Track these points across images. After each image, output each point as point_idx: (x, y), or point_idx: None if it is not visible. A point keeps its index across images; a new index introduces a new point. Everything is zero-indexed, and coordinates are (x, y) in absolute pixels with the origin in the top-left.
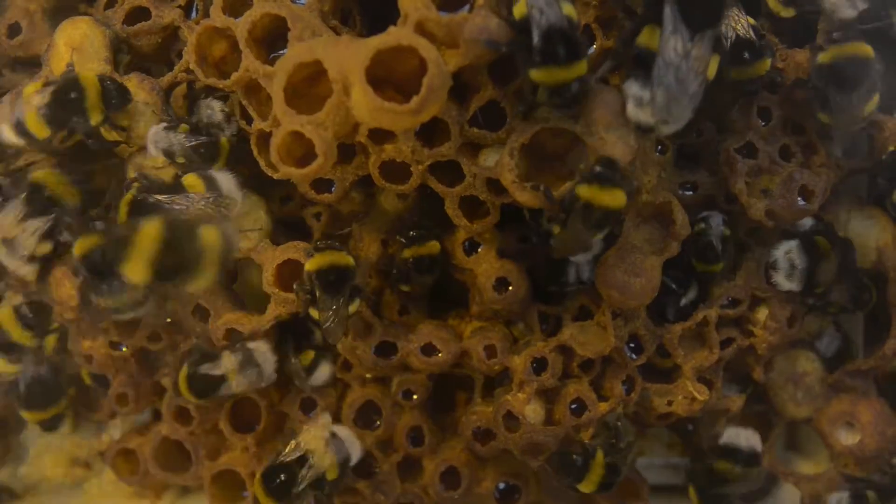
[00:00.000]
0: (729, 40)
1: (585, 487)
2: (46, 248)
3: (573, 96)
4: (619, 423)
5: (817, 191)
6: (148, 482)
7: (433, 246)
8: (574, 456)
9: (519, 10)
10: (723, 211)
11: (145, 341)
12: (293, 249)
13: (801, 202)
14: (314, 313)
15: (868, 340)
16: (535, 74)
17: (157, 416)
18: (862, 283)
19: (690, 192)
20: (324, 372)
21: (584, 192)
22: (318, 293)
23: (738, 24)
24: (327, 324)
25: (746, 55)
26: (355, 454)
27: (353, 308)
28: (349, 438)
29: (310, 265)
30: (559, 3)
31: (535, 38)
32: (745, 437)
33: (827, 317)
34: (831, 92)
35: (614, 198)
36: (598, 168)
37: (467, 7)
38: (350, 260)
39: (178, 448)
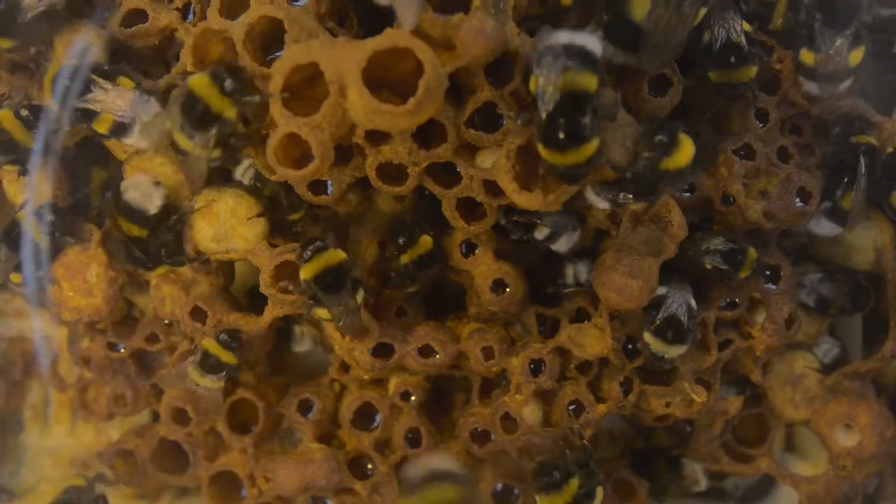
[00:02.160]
0: (719, 42)
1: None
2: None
3: (582, 174)
4: (585, 444)
5: (815, 192)
6: (146, 483)
7: (426, 242)
8: (553, 472)
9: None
10: (719, 213)
11: (143, 342)
12: (290, 251)
13: (798, 203)
14: (323, 314)
15: (866, 342)
16: (543, 153)
17: (155, 417)
18: (860, 285)
19: (688, 194)
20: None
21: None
22: (321, 297)
23: (732, 28)
24: (341, 321)
25: (732, 59)
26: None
27: (359, 298)
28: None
29: (304, 274)
30: (577, 75)
31: (543, 116)
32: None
33: (825, 319)
34: None
35: None
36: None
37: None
38: (341, 254)
39: (176, 449)
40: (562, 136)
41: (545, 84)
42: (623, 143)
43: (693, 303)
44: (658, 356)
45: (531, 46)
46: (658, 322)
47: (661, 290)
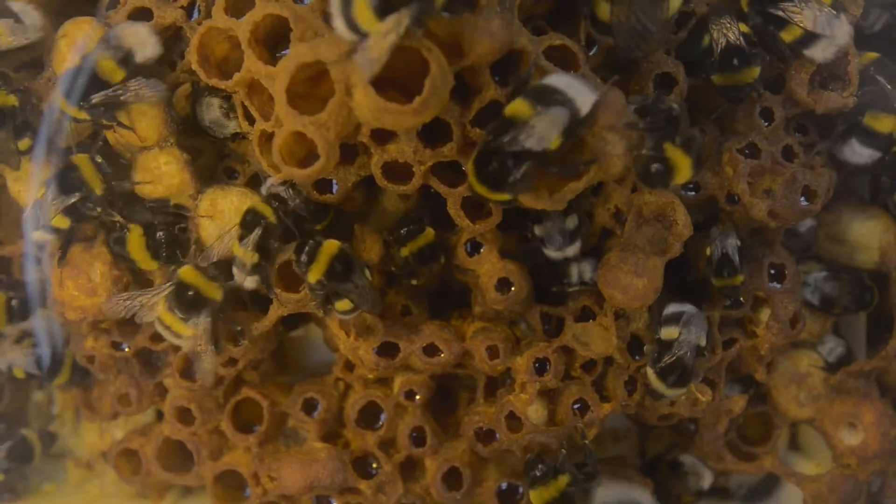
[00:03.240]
0: (719, 46)
1: (534, 499)
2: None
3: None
4: (586, 443)
5: (820, 191)
6: (150, 482)
7: (428, 234)
8: (541, 466)
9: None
10: (724, 211)
11: (147, 341)
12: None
13: (803, 202)
14: (343, 306)
15: (870, 341)
16: (468, 169)
17: (159, 416)
18: (864, 284)
19: (693, 193)
20: None
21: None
22: (336, 289)
23: (730, 31)
24: (364, 303)
25: (735, 62)
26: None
27: (369, 276)
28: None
29: (314, 276)
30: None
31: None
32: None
33: (830, 317)
34: None
35: None
36: None
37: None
38: (336, 243)
39: (180, 448)
40: (490, 173)
41: (538, 134)
42: (626, 140)
43: (704, 341)
44: (657, 393)
45: (536, 45)
46: (664, 364)
47: (673, 333)
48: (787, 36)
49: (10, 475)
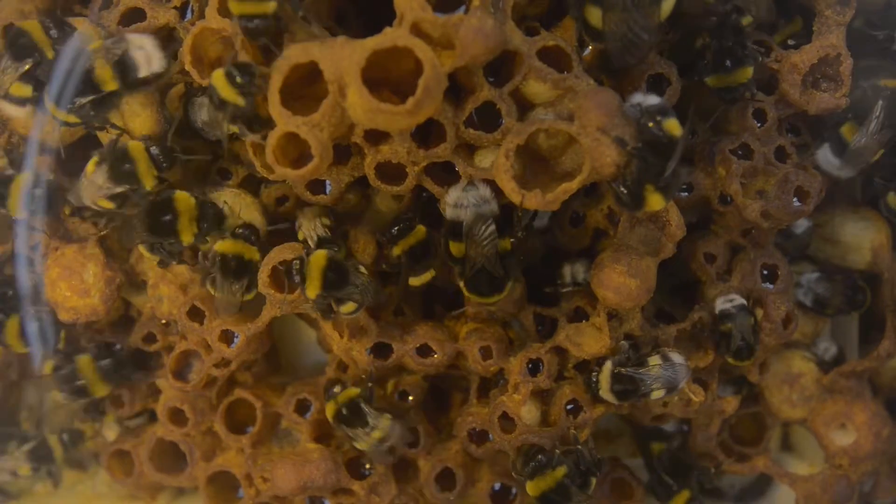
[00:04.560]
0: (712, 48)
1: (531, 489)
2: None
3: None
4: (579, 448)
5: (812, 192)
6: (143, 483)
7: (419, 232)
8: (540, 456)
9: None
10: (717, 212)
11: (140, 342)
12: (288, 251)
13: (796, 203)
14: (348, 308)
15: (863, 341)
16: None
17: (152, 417)
18: (856, 284)
19: (686, 193)
20: None
21: None
22: (337, 295)
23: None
24: (367, 300)
25: (728, 63)
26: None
27: (364, 271)
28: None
29: (312, 291)
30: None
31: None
32: None
33: (822, 318)
34: None
35: None
36: None
37: (463, 8)
38: (323, 253)
39: (173, 449)
40: (484, 287)
41: (475, 254)
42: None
43: (662, 394)
44: (595, 386)
45: (529, 46)
46: (624, 372)
47: (656, 363)
48: (746, 21)
49: (37, 474)
